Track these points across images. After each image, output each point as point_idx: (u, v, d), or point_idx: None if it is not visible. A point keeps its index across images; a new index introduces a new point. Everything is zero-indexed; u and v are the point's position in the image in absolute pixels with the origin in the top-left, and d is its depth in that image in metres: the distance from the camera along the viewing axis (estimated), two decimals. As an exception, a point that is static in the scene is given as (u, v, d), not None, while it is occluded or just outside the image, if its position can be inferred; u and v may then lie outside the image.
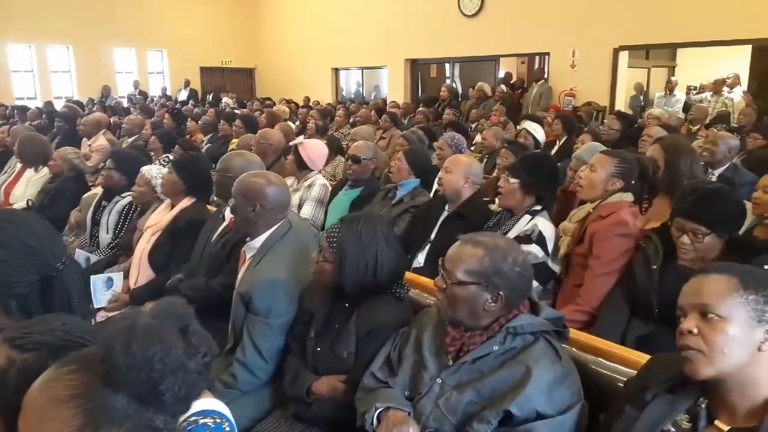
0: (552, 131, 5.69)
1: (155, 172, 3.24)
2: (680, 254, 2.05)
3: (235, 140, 5.56)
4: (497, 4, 10.12)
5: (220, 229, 2.61)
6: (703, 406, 1.27)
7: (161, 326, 0.97)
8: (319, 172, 3.89)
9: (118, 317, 0.99)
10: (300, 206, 3.63)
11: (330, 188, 3.80)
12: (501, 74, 11.14)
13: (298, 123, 8.02)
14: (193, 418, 1.18)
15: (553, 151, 5.33)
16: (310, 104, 10.95)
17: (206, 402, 1.23)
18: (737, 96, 8.37)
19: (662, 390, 1.33)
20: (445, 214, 3.00)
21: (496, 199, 3.01)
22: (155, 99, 12.51)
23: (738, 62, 9.82)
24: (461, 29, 10.63)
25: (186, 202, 2.95)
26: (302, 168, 3.75)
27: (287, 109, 9.29)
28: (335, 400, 1.83)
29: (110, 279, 3.00)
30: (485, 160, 5.14)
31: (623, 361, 1.62)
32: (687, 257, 2.03)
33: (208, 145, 6.42)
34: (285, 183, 2.36)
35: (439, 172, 3.13)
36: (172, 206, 3.00)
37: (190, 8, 14.24)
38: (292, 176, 3.85)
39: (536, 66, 10.91)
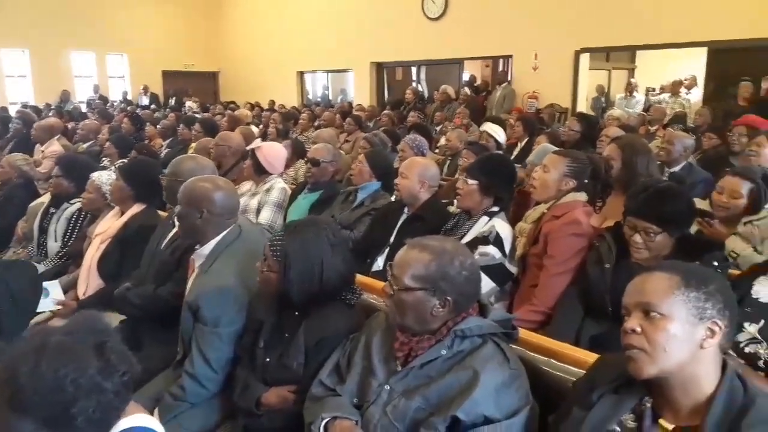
0: (514, 133, 5.72)
1: (105, 178, 3.13)
2: (633, 253, 2.06)
3: (193, 144, 5.45)
4: (460, 8, 10.18)
5: (170, 235, 2.53)
6: (648, 405, 1.26)
7: (74, 344, 0.91)
8: (280, 175, 3.82)
9: (30, 334, 0.92)
10: (259, 210, 3.56)
11: (289, 192, 3.73)
12: (466, 77, 11.21)
13: (261, 126, 7.92)
14: (121, 437, 1.11)
15: (514, 153, 5.36)
16: (275, 108, 10.84)
17: (136, 419, 1.17)
18: (694, 97, 8.58)
19: (608, 390, 1.32)
20: (403, 217, 2.97)
21: (455, 201, 2.99)
22: (116, 104, 12.22)
23: (695, 64, 10.05)
24: (426, 32, 10.66)
25: (136, 208, 2.86)
26: (261, 172, 3.68)
27: (249, 113, 9.17)
28: (285, 411, 1.78)
29: (45, 289, 2.87)
30: (448, 161, 5.15)
31: (574, 361, 1.60)
32: (640, 256, 2.04)
33: (168, 149, 6.28)
34: (233, 187, 2.29)
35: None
36: (122, 213, 2.90)
37: (151, 11, 13.96)
38: (251, 180, 3.77)
39: (500, 69, 11.01)
